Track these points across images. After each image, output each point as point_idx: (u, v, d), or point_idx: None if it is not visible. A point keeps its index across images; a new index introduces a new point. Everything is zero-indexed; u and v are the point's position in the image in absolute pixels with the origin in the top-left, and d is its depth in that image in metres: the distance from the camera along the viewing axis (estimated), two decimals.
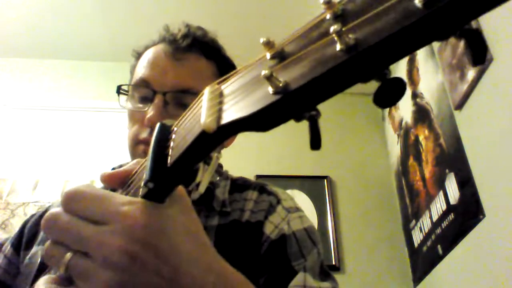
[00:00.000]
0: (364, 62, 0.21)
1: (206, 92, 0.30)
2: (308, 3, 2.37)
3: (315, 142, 0.24)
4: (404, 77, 2.12)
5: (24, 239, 0.72)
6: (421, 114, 1.93)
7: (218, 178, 0.71)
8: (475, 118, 1.46)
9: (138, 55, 0.76)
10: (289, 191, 2.14)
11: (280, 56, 0.25)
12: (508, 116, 1.28)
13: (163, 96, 0.66)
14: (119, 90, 0.72)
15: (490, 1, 0.18)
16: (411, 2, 0.19)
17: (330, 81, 0.22)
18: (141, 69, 0.70)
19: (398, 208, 2.20)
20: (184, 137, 0.29)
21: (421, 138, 1.93)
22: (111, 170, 0.40)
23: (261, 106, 0.24)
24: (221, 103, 0.27)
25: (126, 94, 0.72)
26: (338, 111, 2.46)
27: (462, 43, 0.21)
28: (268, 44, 0.25)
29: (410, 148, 2.05)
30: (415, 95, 2.00)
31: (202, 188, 0.31)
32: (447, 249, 1.59)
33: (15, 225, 2.12)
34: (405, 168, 2.11)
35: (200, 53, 0.71)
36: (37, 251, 0.67)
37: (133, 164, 0.38)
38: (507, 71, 1.28)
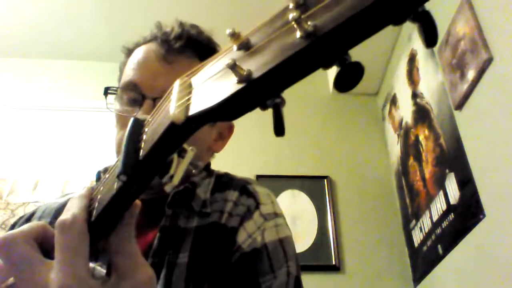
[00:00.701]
0: (323, 48, 0.21)
1: (176, 84, 0.30)
2: None
3: (279, 129, 0.24)
4: (404, 77, 2.12)
5: None
6: (421, 114, 1.93)
7: (194, 171, 0.68)
8: (475, 118, 1.46)
9: (129, 52, 0.72)
10: (289, 191, 2.16)
11: (246, 47, 0.25)
12: (508, 116, 1.28)
13: (152, 101, 0.61)
14: (106, 92, 0.69)
15: None
16: None
17: (292, 67, 0.22)
18: (131, 71, 0.67)
19: (398, 208, 2.20)
20: (155, 130, 0.30)
21: (421, 138, 1.93)
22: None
23: (226, 95, 0.24)
24: (189, 93, 0.28)
25: (115, 93, 0.69)
26: (338, 111, 2.46)
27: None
28: (234, 35, 0.25)
29: (410, 148, 2.05)
30: (415, 95, 2.00)
31: (175, 180, 0.31)
32: (447, 249, 1.59)
33: (15, 225, 2.12)
34: (405, 168, 2.11)
35: (194, 54, 0.67)
36: None
37: None
38: (507, 71, 1.28)
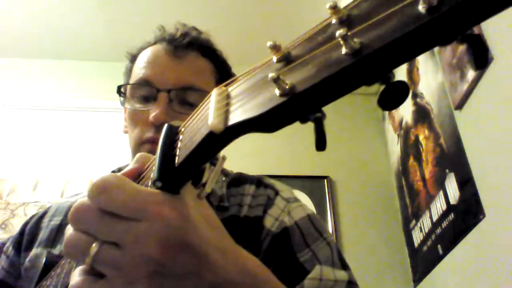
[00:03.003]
0: (369, 66, 0.21)
1: (213, 94, 0.30)
2: (306, 5, 2.37)
3: (321, 143, 0.25)
4: (404, 77, 2.12)
5: (24, 240, 0.72)
6: (421, 114, 1.93)
7: (224, 178, 0.70)
8: (475, 118, 1.46)
9: (133, 57, 0.75)
10: None
11: (286, 60, 0.25)
12: (508, 116, 1.28)
13: (167, 93, 0.65)
14: (119, 91, 0.72)
15: (491, 8, 0.19)
16: (414, 8, 0.20)
17: (335, 83, 0.22)
18: (141, 69, 0.69)
19: (398, 208, 2.20)
20: (191, 138, 0.30)
21: (421, 138, 1.93)
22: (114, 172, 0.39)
23: (268, 107, 0.24)
24: (228, 104, 0.28)
25: (124, 96, 0.71)
26: (338, 111, 2.46)
27: (464, 46, 0.21)
28: (275, 48, 0.25)
29: (410, 148, 2.05)
30: (415, 95, 2.00)
31: (208, 188, 0.32)
32: (447, 249, 1.59)
33: (15, 225, 2.12)
34: (405, 168, 2.11)
35: (198, 51, 0.71)
36: (37, 254, 0.67)
37: (138, 162, 0.38)
38: (507, 71, 1.28)
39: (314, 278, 0.55)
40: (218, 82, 0.71)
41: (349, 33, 0.21)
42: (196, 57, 0.70)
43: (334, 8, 0.23)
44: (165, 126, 0.34)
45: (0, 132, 2.43)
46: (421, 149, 1.92)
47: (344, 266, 0.59)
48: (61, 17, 2.48)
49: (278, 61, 0.26)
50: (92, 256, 0.31)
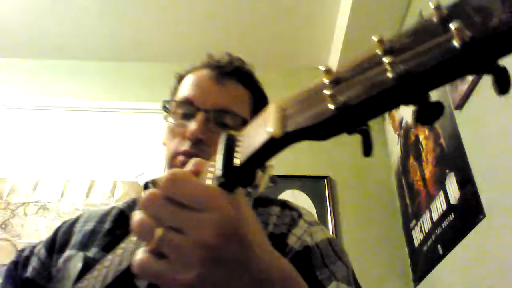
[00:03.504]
0: (410, 87, 0.26)
1: (272, 106, 0.35)
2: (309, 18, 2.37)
3: (367, 151, 0.30)
4: None
5: (57, 243, 0.77)
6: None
7: (271, 185, 0.76)
8: (475, 118, 1.46)
9: (181, 78, 0.83)
10: (289, 191, 2.16)
11: (337, 81, 0.30)
12: (508, 116, 1.28)
13: (205, 113, 0.71)
14: (164, 106, 0.79)
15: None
16: (450, 43, 0.24)
17: (382, 101, 0.27)
18: (186, 90, 0.77)
19: (398, 208, 2.20)
20: (250, 143, 0.35)
21: (421, 138, 1.93)
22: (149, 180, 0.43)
23: (323, 118, 0.29)
24: (285, 115, 0.32)
25: (168, 111, 0.79)
26: None
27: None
28: (327, 71, 0.30)
29: (410, 148, 2.05)
30: None
31: (261, 188, 0.38)
32: (447, 249, 1.59)
33: (15, 225, 2.12)
34: (405, 168, 2.11)
35: (239, 80, 0.79)
36: (70, 255, 0.72)
37: (194, 166, 0.42)
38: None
39: None
40: (254, 111, 0.78)
41: (395, 60, 0.26)
42: (236, 84, 0.78)
43: (381, 41, 0.28)
44: (224, 134, 0.39)
45: (0, 132, 2.43)
46: (421, 149, 1.92)
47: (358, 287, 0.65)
48: (61, 17, 2.48)
49: (330, 82, 0.30)
50: (158, 238, 0.35)
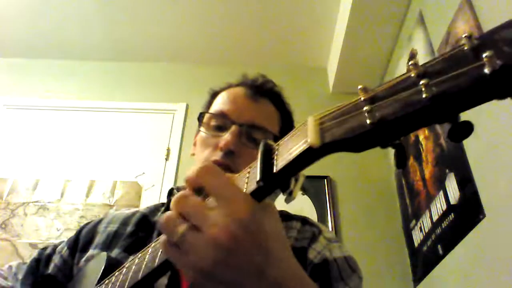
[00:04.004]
0: (442, 107, 0.28)
1: (310, 119, 0.37)
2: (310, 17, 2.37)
3: (401, 163, 0.32)
4: None
5: (80, 242, 0.80)
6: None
7: (301, 192, 0.78)
8: (475, 118, 1.46)
9: (215, 94, 0.87)
10: None
11: (372, 100, 0.32)
12: (508, 116, 1.28)
13: (239, 127, 0.75)
14: (199, 118, 0.82)
15: None
16: (481, 70, 0.26)
17: (415, 119, 0.29)
18: (221, 104, 0.81)
19: (398, 208, 2.20)
20: (289, 151, 0.37)
21: (421, 138, 1.93)
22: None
23: (360, 131, 0.31)
24: (323, 128, 0.35)
25: (201, 123, 0.82)
26: None
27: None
28: (364, 90, 0.32)
29: (410, 148, 2.05)
30: None
31: (295, 195, 0.38)
32: (447, 249, 1.59)
33: (15, 225, 2.12)
34: (405, 168, 2.11)
35: (271, 100, 0.83)
36: (93, 255, 0.73)
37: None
38: None
39: None
40: (281, 129, 0.82)
41: (429, 83, 0.28)
42: (268, 103, 0.83)
43: (415, 65, 0.30)
44: (262, 142, 0.41)
45: (0, 132, 2.43)
46: (421, 149, 1.92)
47: None
48: (61, 17, 2.48)
49: (366, 100, 0.32)
50: (179, 235, 0.37)
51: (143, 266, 0.48)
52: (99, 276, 0.63)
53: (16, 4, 2.40)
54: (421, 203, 1.88)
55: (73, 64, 2.71)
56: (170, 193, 0.85)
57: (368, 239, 2.11)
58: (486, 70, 0.26)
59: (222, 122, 0.78)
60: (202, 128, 0.80)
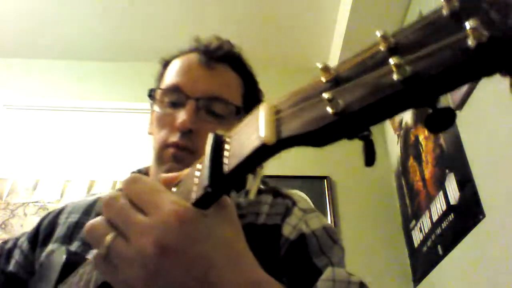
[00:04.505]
0: (419, 92, 0.23)
1: (263, 108, 0.32)
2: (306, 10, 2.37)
3: (370, 159, 0.28)
4: None
5: (41, 236, 0.74)
6: (421, 114, 1.93)
7: (262, 187, 0.72)
8: (475, 118, 1.46)
9: (166, 63, 0.78)
10: None
11: (336, 81, 0.27)
12: (508, 116, 1.28)
13: (195, 101, 0.67)
14: (150, 94, 0.74)
15: None
16: (464, 43, 0.21)
17: (387, 105, 0.24)
18: (173, 76, 0.72)
19: (398, 208, 2.20)
20: (241, 148, 0.32)
21: (421, 138, 1.93)
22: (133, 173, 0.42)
23: (321, 124, 0.26)
24: (279, 119, 0.30)
25: (154, 99, 0.74)
26: None
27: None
28: (325, 69, 0.28)
29: (410, 148, 2.05)
30: None
31: (252, 195, 0.35)
32: (447, 249, 1.59)
33: (15, 225, 2.12)
34: (405, 168, 2.11)
35: (229, 65, 0.74)
36: (53, 250, 0.68)
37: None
38: None
39: (327, 279, 0.56)
40: (245, 96, 0.74)
41: (402, 61, 0.23)
42: (226, 70, 0.73)
43: (384, 37, 0.25)
44: (210, 135, 0.36)
45: (0, 132, 2.43)
46: (421, 149, 1.92)
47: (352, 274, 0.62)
48: (61, 17, 2.48)
49: (328, 82, 0.28)
50: (106, 246, 0.34)
51: (93, 279, 0.45)
52: (58, 274, 0.59)
53: (16, 4, 2.40)
54: (421, 203, 1.88)
55: (73, 64, 2.70)
56: None
57: (368, 239, 2.11)
58: (470, 43, 0.21)
59: (176, 97, 0.69)
60: (155, 107, 0.72)
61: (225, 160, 0.33)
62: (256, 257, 0.59)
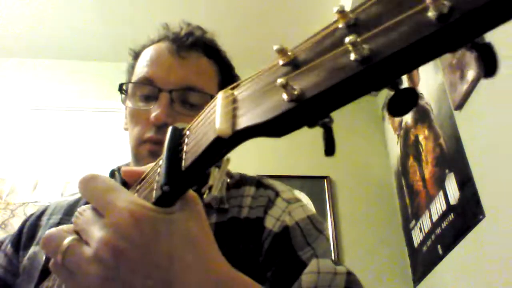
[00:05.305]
0: (378, 72, 0.21)
1: (219, 97, 0.30)
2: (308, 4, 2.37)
3: (329, 148, 0.26)
4: (404, 77, 2.11)
5: (23, 238, 0.71)
6: (421, 114, 1.93)
7: (228, 180, 0.69)
8: (475, 118, 1.46)
9: (136, 54, 0.74)
10: None
11: (293, 64, 0.25)
12: (508, 116, 1.28)
13: (169, 94, 0.64)
14: (121, 88, 0.71)
15: (501, 17, 0.19)
16: (424, 15, 0.20)
17: (345, 90, 0.22)
18: (144, 68, 0.69)
19: (398, 208, 2.20)
20: (198, 142, 0.30)
21: (421, 138, 1.93)
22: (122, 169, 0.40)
23: (276, 113, 0.24)
24: (235, 109, 0.28)
25: (126, 93, 0.71)
26: (338, 111, 2.44)
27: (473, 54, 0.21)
28: (282, 52, 0.26)
29: (410, 148, 2.05)
30: None
31: (214, 191, 0.32)
32: (447, 249, 1.59)
33: (15, 225, 2.12)
34: (405, 168, 2.11)
35: (202, 52, 0.70)
36: (35, 252, 0.66)
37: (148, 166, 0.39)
38: (507, 71, 1.28)
39: (311, 271, 0.54)
40: (221, 83, 0.71)
41: (358, 39, 0.21)
42: (199, 57, 0.70)
43: (342, 12, 0.23)
44: (169, 129, 0.34)
45: (0, 132, 2.43)
46: (421, 149, 1.92)
47: (337, 262, 0.60)
48: (61, 17, 2.48)
49: (285, 65, 0.26)
50: (62, 252, 0.32)
51: None
52: (37, 278, 0.58)
53: (16, 4, 2.40)
54: (421, 203, 1.88)
55: (73, 64, 2.70)
56: (112, 175, 0.73)
57: (368, 239, 2.11)
58: (431, 16, 0.19)
59: (148, 90, 0.66)
60: (128, 102, 0.69)
61: (184, 155, 0.31)
62: (240, 251, 0.57)
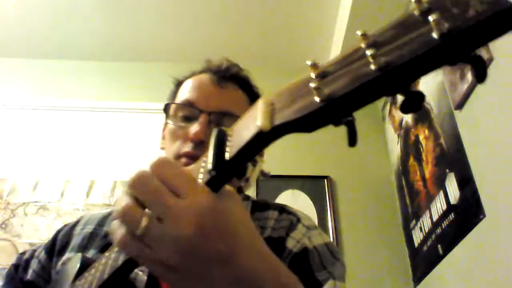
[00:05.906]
0: (392, 78, 0.27)
1: (260, 101, 0.35)
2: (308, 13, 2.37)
3: (352, 141, 0.31)
4: None
5: (57, 246, 0.78)
6: (421, 114, 1.93)
7: (261, 178, 0.76)
8: (475, 118, 1.46)
9: (179, 83, 0.84)
10: (289, 191, 2.16)
11: (323, 74, 0.31)
12: (508, 116, 1.28)
13: (208, 115, 0.72)
14: (165, 109, 0.80)
15: (492, 35, 0.24)
16: (429, 34, 0.25)
17: (365, 92, 0.28)
18: (187, 93, 0.78)
19: (398, 208, 2.20)
20: (240, 137, 0.35)
21: (421, 138, 1.93)
22: None
23: (309, 110, 0.30)
24: (273, 109, 0.34)
25: (167, 114, 0.80)
26: None
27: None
28: (313, 66, 0.31)
29: (410, 148, 2.05)
30: None
31: (252, 182, 0.39)
32: (447, 249, 1.59)
33: (15, 225, 2.12)
34: (405, 168, 2.11)
35: (238, 84, 0.81)
36: (70, 258, 0.72)
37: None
38: (507, 71, 1.28)
39: None
40: None
41: (377, 53, 0.27)
42: (235, 88, 0.80)
43: (365, 35, 0.29)
44: (215, 130, 0.39)
45: (0, 132, 2.43)
46: (421, 149, 1.92)
47: None
48: (61, 17, 2.48)
49: (316, 76, 0.31)
50: (142, 229, 0.35)
51: (109, 265, 0.47)
52: (73, 277, 0.61)
53: (16, 4, 2.40)
54: (421, 203, 1.88)
55: (73, 64, 2.70)
56: None
57: (368, 239, 2.11)
58: (434, 35, 0.25)
59: (189, 112, 0.75)
60: (169, 120, 0.78)
61: (227, 149, 0.36)
62: None
